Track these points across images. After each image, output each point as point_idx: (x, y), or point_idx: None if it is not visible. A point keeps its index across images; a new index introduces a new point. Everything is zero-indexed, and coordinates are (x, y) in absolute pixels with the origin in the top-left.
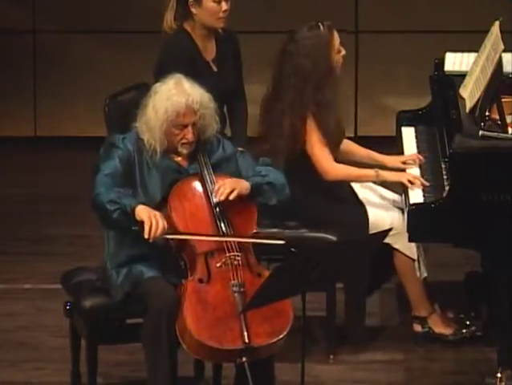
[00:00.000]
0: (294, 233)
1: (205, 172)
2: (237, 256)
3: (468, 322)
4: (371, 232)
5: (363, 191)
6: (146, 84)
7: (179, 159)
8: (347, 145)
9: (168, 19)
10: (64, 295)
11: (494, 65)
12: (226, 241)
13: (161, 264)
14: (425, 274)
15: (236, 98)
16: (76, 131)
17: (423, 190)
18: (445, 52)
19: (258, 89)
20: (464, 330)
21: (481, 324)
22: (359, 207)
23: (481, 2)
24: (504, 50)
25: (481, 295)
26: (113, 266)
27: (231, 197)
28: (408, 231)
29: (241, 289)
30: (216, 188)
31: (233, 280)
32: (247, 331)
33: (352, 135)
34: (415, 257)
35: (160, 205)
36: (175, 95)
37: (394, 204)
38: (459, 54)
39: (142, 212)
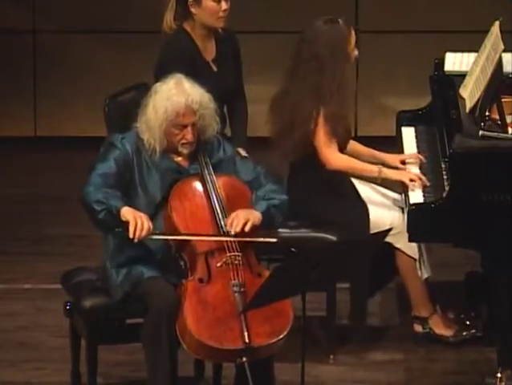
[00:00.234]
0: (293, 233)
1: (206, 172)
2: (238, 256)
3: (468, 323)
4: (371, 231)
5: (364, 189)
6: (146, 84)
7: (179, 159)
8: (353, 145)
9: (168, 19)
10: (64, 295)
11: (494, 65)
12: (226, 241)
13: (161, 264)
14: (428, 274)
15: (236, 98)
16: (76, 131)
17: (423, 190)
18: (445, 52)
19: (258, 89)
20: (464, 332)
21: (481, 324)
22: (361, 205)
23: (481, 2)
24: (504, 50)
25: (481, 295)
26: (113, 266)
27: (246, 229)
28: (408, 231)
29: (242, 289)
30: (229, 221)
31: (234, 280)
32: (247, 331)
33: (352, 135)
34: (416, 257)
35: (161, 205)
36: (175, 95)
37: (394, 203)
38: (459, 54)
39: (127, 213)
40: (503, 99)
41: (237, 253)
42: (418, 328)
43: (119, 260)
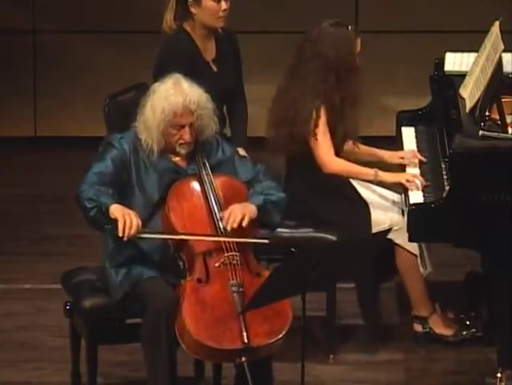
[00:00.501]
0: (293, 233)
1: (204, 172)
2: (236, 256)
3: (468, 323)
4: (372, 231)
5: (363, 190)
6: (146, 84)
7: (177, 159)
8: (348, 145)
9: (168, 19)
10: (64, 295)
11: (494, 65)
12: (224, 241)
13: (160, 264)
14: (429, 270)
15: (236, 98)
16: (76, 131)
17: (423, 190)
18: (445, 52)
19: (258, 89)
20: (464, 332)
21: (481, 324)
22: (362, 206)
23: (481, 2)
24: (504, 50)
25: (481, 295)
26: (112, 266)
27: (244, 224)
28: (408, 231)
29: (240, 289)
30: (226, 216)
31: (232, 280)
32: (246, 331)
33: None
34: (417, 253)
35: (158, 205)
36: (172, 95)
37: (394, 202)
38: (459, 54)
39: (116, 210)
40: (503, 99)
41: (235, 253)
42: (418, 328)
43: (118, 260)
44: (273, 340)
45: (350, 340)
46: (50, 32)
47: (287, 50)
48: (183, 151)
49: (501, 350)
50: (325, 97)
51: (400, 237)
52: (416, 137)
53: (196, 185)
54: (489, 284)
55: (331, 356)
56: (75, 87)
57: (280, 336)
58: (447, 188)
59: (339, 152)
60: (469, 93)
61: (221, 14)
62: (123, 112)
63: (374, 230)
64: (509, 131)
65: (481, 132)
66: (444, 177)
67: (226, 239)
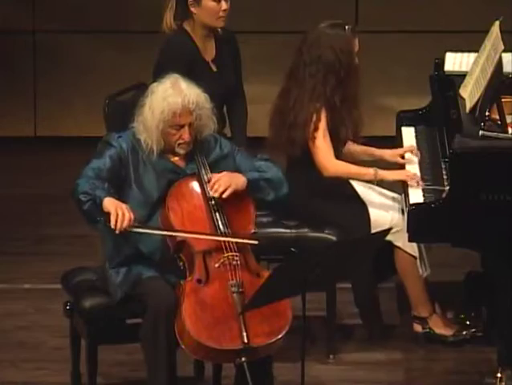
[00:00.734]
0: (293, 233)
1: (203, 172)
2: (236, 256)
3: (468, 323)
4: (372, 231)
5: (363, 190)
6: (145, 84)
7: (176, 159)
8: (348, 145)
9: (168, 19)
10: (64, 295)
11: (494, 65)
12: (224, 241)
13: (160, 264)
14: (428, 272)
15: (235, 98)
16: (76, 131)
17: (423, 190)
18: (445, 52)
19: (258, 89)
20: (464, 332)
21: (481, 324)
22: (361, 206)
23: (481, 2)
24: (504, 50)
25: (480, 295)
26: (112, 266)
27: (225, 195)
28: (408, 231)
29: (240, 290)
30: (211, 182)
31: (232, 280)
32: (246, 331)
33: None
34: (416, 255)
35: (158, 205)
36: (171, 96)
37: (394, 203)
38: (459, 54)
39: (109, 203)
40: (503, 99)
41: (234, 254)
42: (418, 328)
43: (117, 260)
44: (273, 340)
45: (350, 340)
46: (50, 32)
47: (287, 50)
48: (182, 152)
49: (501, 350)
50: (325, 100)
51: (400, 240)
52: (416, 137)
53: (195, 185)
54: (489, 284)
55: (331, 356)
56: (75, 87)
57: (280, 336)
58: (447, 188)
59: (338, 154)
60: (469, 93)
61: (221, 14)
62: (123, 112)
63: (374, 231)
64: (510, 131)
65: (481, 132)
66: (445, 177)
67: (221, 238)
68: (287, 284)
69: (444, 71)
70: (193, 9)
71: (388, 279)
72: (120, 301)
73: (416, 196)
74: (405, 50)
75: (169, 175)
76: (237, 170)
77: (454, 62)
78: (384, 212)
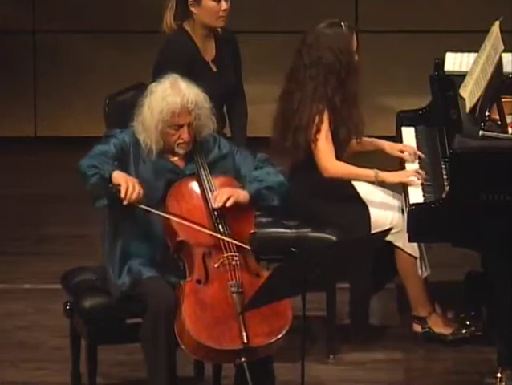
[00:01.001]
0: (293, 233)
1: (202, 172)
2: (235, 256)
3: (468, 322)
4: (372, 231)
5: (363, 190)
6: (145, 84)
7: (175, 159)
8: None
9: (168, 19)
10: (64, 295)
11: (494, 65)
12: (223, 241)
13: (160, 264)
14: (428, 272)
15: (235, 98)
16: (76, 131)
17: (423, 190)
18: (445, 52)
19: (258, 89)
20: (464, 331)
21: (481, 324)
22: (362, 206)
23: (481, 2)
24: (504, 50)
25: (481, 295)
26: (110, 265)
27: (228, 204)
28: (407, 231)
29: (240, 290)
30: (214, 195)
31: (231, 280)
32: (246, 331)
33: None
34: (417, 255)
35: (156, 204)
36: (170, 95)
37: (394, 203)
38: (459, 54)
39: (119, 176)
40: (503, 99)
41: (234, 254)
42: (417, 328)
43: (114, 258)
44: (272, 340)
45: (350, 340)
46: (50, 32)
47: (287, 50)
48: (181, 151)
49: (501, 350)
50: (327, 101)
51: (400, 240)
52: (416, 137)
53: (195, 186)
54: (489, 284)
55: (331, 356)
56: (75, 87)
57: (280, 336)
58: (447, 188)
59: (341, 154)
60: (469, 93)
61: (221, 13)
62: (123, 112)
63: (374, 231)
64: (510, 131)
65: (481, 132)
66: (445, 177)
67: (222, 237)
68: (287, 284)
69: (444, 71)
70: (193, 9)
71: (388, 280)
72: (120, 301)
73: (416, 196)
74: (405, 50)
75: (168, 175)
76: (236, 170)
77: (454, 62)
78: (385, 212)
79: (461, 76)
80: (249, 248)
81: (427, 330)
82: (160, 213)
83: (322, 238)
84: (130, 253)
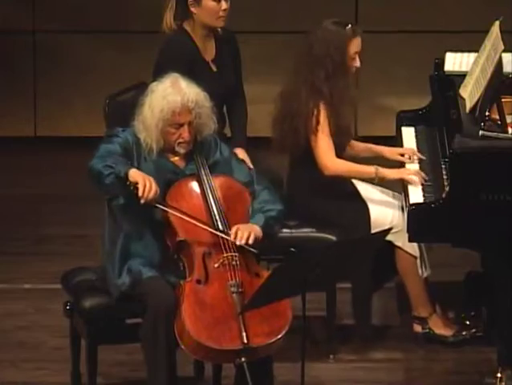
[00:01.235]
0: (293, 233)
1: (203, 172)
2: (235, 256)
3: (468, 323)
4: (372, 230)
5: (363, 188)
6: (146, 84)
7: (176, 159)
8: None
9: (168, 19)
10: (64, 295)
11: (494, 65)
12: (223, 241)
13: (160, 264)
14: (428, 272)
15: (235, 98)
16: (76, 131)
17: (423, 190)
18: (445, 52)
19: (258, 89)
20: (464, 332)
21: (482, 324)
22: (362, 205)
23: (481, 2)
24: (504, 50)
25: (481, 295)
26: (110, 265)
27: (250, 241)
28: (407, 231)
29: (240, 290)
30: (233, 231)
31: (231, 280)
32: (246, 331)
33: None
34: (417, 254)
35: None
36: (171, 94)
37: (394, 202)
38: (459, 54)
39: (136, 174)
40: (503, 99)
41: (234, 254)
42: (418, 328)
43: (114, 258)
44: (272, 340)
45: (350, 340)
46: (50, 32)
47: (287, 50)
48: (182, 151)
49: (501, 350)
50: (319, 92)
51: (401, 239)
52: (416, 137)
53: (195, 186)
54: (489, 284)
55: (331, 356)
56: (75, 87)
57: (280, 336)
58: (447, 188)
59: (341, 152)
60: (469, 93)
61: (221, 13)
62: (123, 112)
63: (374, 230)
64: (510, 131)
65: (481, 132)
66: (445, 177)
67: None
68: (287, 284)
69: (444, 71)
70: (193, 9)
71: (389, 280)
72: (120, 301)
73: (416, 196)
74: (405, 50)
75: (168, 175)
76: (231, 175)
77: (454, 62)
78: (385, 211)
79: (461, 76)
80: (256, 251)
81: (427, 330)
82: (176, 213)
83: (322, 238)
84: (130, 253)
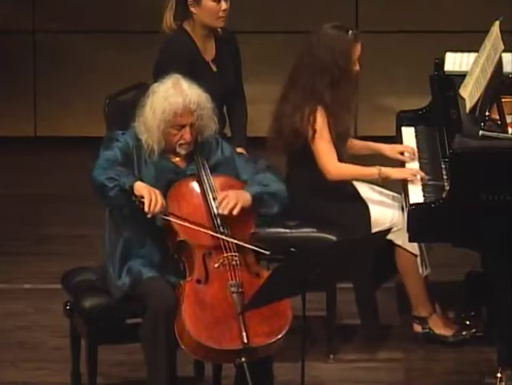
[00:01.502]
0: (293, 233)
1: (203, 172)
2: (235, 256)
3: (468, 323)
4: (372, 230)
5: (363, 188)
6: (146, 84)
7: (177, 159)
8: (348, 142)
9: (168, 19)
10: (64, 295)
11: (494, 65)
12: (224, 241)
13: (160, 264)
14: (429, 271)
15: (235, 98)
16: (76, 131)
17: (423, 190)
18: (445, 52)
19: (258, 89)
20: (464, 332)
21: (482, 324)
22: (362, 205)
23: (481, 2)
24: (504, 50)
25: (481, 295)
26: (110, 265)
27: (235, 212)
28: (407, 231)
29: (240, 290)
30: (219, 199)
31: (231, 280)
32: (246, 331)
33: (352, 135)
34: (417, 253)
35: None
36: (172, 96)
37: (394, 201)
38: (459, 54)
39: (141, 187)
40: (503, 99)
41: (234, 254)
42: (418, 328)
43: (115, 259)
44: (273, 340)
45: (350, 340)
46: (50, 32)
47: (287, 50)
48: (183, 152)
49: (501, 350)
50: (318, 98)
51: (401, 238)
52: (416, 137)
53: (195, 186)
54: (489, 284)
55: (331, 356)
56: (75, 87)
57: (280, 336)
58: (447, 188)
59: (340, 155)
60: (469, 93)
61: (221, 13)
62: (123, 112)
63: (374, 229)
64: (510, 131)
65: (481, 132)
66: (445, 177)
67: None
68: (287, 284)
69: (444, 71)
70: (192, 9)
71: (389, 279)
72: (120, 302)
73: (416, 195)
74: (405, 50)
75: (169, 175)
76: (236, 174)
77: (454, 62)
78: (385, 211)
79: (461, 76)
80: (268, 252)
81: (427, 330)
82: (183, 223)
83: (322, 238)
84: (130, 253)
